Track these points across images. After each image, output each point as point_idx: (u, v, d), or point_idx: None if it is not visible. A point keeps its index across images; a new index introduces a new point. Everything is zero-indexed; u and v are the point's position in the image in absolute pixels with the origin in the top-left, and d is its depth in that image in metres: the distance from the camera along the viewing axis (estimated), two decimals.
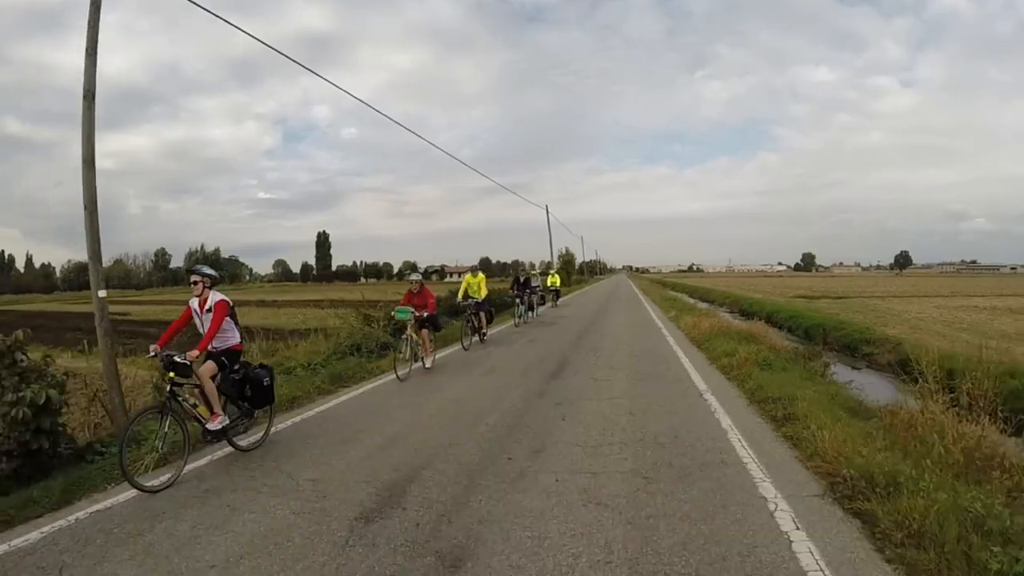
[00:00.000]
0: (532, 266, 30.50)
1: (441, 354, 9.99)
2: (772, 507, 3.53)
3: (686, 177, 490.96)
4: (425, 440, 5.15)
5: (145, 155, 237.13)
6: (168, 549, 3.21)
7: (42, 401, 4.36)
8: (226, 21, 7.67)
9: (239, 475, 4.39)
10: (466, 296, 11.88)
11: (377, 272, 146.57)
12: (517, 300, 16.01)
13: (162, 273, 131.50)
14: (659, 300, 28.25)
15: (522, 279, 16.76)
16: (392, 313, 10.22)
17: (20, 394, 4.32)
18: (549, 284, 22.64)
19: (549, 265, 33.21)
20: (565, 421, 5.68)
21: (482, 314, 11.99)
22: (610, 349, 10.92)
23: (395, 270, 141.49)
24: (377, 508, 3.66)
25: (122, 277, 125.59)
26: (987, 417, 5.02)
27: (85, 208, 5.63)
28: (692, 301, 31.46)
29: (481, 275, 12.26)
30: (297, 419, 6.05)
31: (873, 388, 8.35)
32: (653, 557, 2.96)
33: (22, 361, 4.54)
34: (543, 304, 20.27)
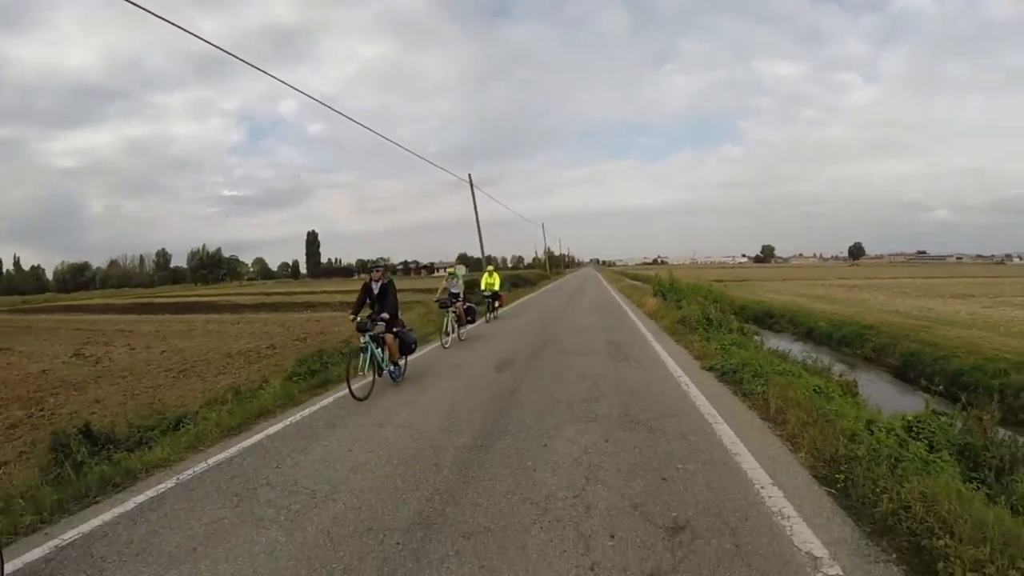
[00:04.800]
0: (489, 260, 25.45)
1: None
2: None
3: (651, 170, 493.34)
4: None
5: (106, 152, 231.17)
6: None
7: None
8: (178, 27, 8.29)
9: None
10: None
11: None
12: (363, 341, 7.14)
13: (163, 272, 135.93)
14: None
15: (376, 287, 7.59)
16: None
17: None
18: (484, 287, 16.67)
19: (491, 261, 26.11)
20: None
21: None
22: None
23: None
24: None
25: (121, 277, 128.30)
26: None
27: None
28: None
29: None
30: None
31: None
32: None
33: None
34: (471, 321, 14.37)
